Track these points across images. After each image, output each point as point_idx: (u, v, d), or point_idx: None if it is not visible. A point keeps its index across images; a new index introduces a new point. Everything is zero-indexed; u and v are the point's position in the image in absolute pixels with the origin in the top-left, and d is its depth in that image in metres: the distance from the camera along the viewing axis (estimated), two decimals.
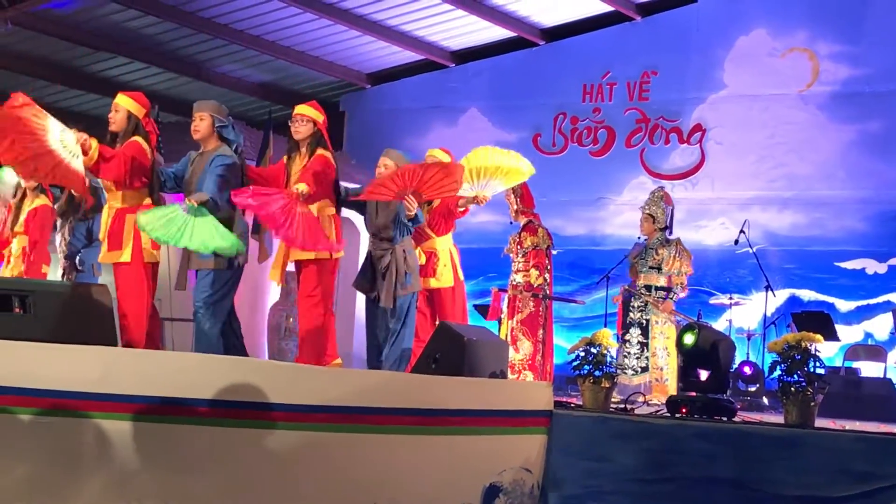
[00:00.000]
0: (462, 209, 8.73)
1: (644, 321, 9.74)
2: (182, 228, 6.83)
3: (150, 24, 12.96)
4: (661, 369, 9.61)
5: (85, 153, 7.00)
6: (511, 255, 10.10)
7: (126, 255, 7.20)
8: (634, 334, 9.73)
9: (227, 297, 7.30)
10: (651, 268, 9.82)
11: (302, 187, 7.23)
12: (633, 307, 9.85)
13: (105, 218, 7.41)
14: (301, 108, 7.76)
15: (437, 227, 8.65)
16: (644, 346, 9.65)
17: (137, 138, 7.31)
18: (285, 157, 7.78)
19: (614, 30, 13.68)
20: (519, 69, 14.14)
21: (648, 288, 9.79)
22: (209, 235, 6.88)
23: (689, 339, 7.05)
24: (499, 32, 13.89)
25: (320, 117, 7.71)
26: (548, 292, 9.92)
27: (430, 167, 7.76)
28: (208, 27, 13.00)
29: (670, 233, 10.00)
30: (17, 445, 4.96)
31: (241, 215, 7.43)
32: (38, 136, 6.82)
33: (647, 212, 9.95)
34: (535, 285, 9.86)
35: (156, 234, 6.84)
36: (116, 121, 7.36)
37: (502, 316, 10.01)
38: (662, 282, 9.79)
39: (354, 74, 14.93)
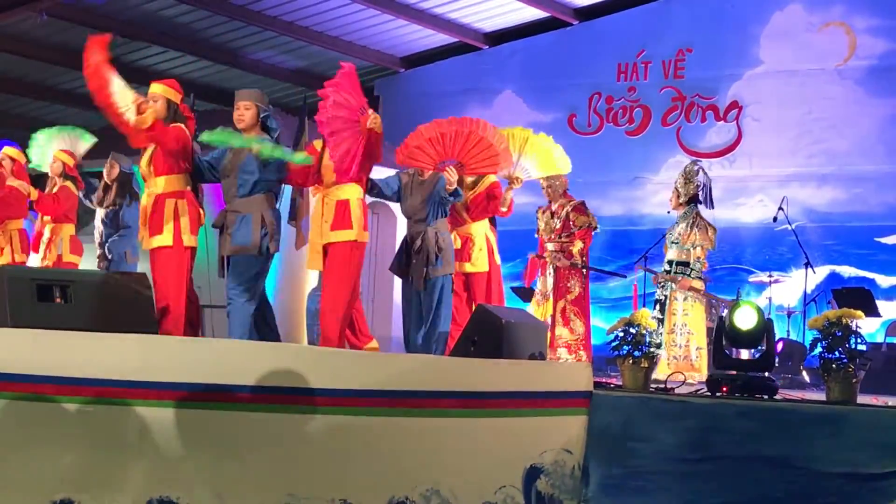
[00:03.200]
0: (505, 209, 8.78)
1: (662, 297, 9.64)
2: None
3: (184, 13, 13.01)
4: (679, 346, 9.48)
5: (139, 113, 7.07)
6: (542, 235, 9.99)
7: (167, 239, 7.25)
8: (654, 311, 9.61)
9: (259, 281, 7.33)
10: (673, 243, 9.71)
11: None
12: (659, 283, 9.77)
13: (144, 204, 7.46)
14: None
15: (473, 212, 8.66)
16: (660, 321, 9.50)
17: (180, 124, 7.36)
18: (319, 144, 7.81)
19: (648, 8, 13.61)
20: (553, 50, 14.10)
21: (671, 263, 9.68)
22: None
23: (750, 318, 6.84)
24: (532, 13, 13.85)
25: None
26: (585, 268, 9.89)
27: (474, 137, 7.82)
28: (242, 14, 13.03)
29: (709, 207, 9.89)
30: (62, 434, 5.01)
31: (275, 204, 7.49)
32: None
33: (675, 185, 9.87)
34: (578, 260, 9.81)
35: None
36: (156, 110, 7.36)
37: (548, 292, 9.89)
38: (681, 256, 9.68)
39: (388, 58, 14.92)
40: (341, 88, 7.54)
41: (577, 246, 9.79)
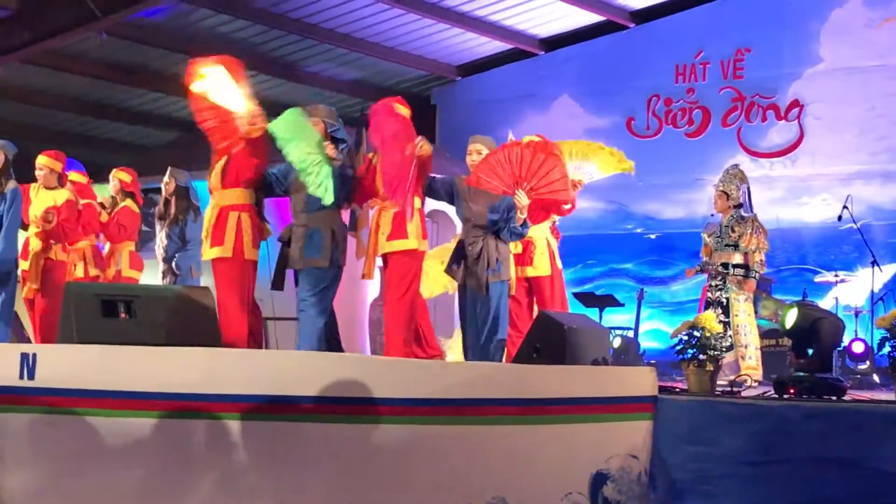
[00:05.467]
0: (568, 207, 8.69)
1: (724, 300, 9.50)
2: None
3: (240, 28, 13.11)
4: (745, 346, 9.38)
5: (251, 125, 7.38)
6: None
7: (227, 251, 7.31)
8: (717, 314, 9.50)
9: (329, 294, 7.38)
10: (727, 245, 9.55)
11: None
12: (712, 286, 9.61)
13: (208, 216, 7.52)
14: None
15: (533, 216, 8.62)
16: (726, 325, 9.39)
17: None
18: (372, 154, 7.84)
19: (705, 8, 13.50)
20: (609, 53, 14.03)
21: (725, 266, 9.54)
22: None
23: (789, 318, 6.88)
24: (588, 17, 13.80)
25: (407, 112, 7.80)
26: None
27: (548, 159, 7.76)
28: (298, 28, 13.10)
29: (749, 211, 9.74)
30: (130, 449, 5.06)
31: (341, 218, 7.54)
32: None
33: (721, 189, 9.71)
34: None
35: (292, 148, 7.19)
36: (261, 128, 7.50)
37: None
38: (739, 259, 9.51)
39: (444, 67, 14.93)
40: (385, 124, 7.60)
41: None
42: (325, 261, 7.25)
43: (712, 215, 9.84)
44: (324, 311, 7.31)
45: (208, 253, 7.43)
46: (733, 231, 9.51)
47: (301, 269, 7.33)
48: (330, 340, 7.40)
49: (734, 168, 9.84)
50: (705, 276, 9.88)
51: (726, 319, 9.35)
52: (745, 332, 9.36)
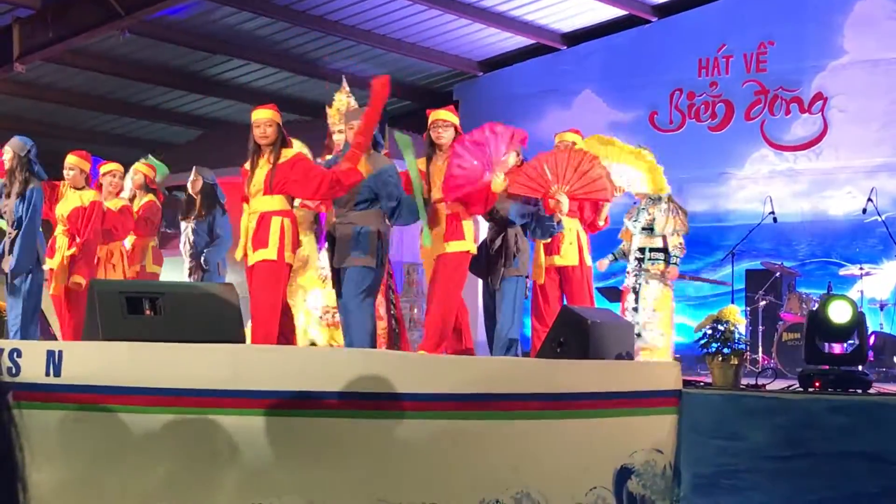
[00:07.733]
0: (602, 224, 8.73)
1: (637, 286, 9.20)
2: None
3: (263, 25, 13.15)
4: (657, 334, 9.01)
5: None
6: None
7: (272, 253, 7.33)
8: (630, 300, 9.19)
9: (375, 293, 7.37)
10: (644, 229, 9.21)
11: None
12: (628, 273, 9.26)
13: (246, 222, 7.52)
14: (443, 114, 7.94)
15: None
16: (636, 311, 9.09)
17: (295, 149, 7.53)
18: (422, 163, 7.88)
19: (728, 1, 13.45)
20: (631, 47, 14.00)
21: (643, 250, 9.22)
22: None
23: (845, 312, 6.67)
24: (610, 12, 13.77)
25: (457, 121, 7.91)
26: None
27: (585, 159, 7.77)
28: (320, 24, 13.13)
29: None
30: (156, 445, 5.08)
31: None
32: None
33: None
34: None
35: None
36: (269, 135, 7.45)
37: None
38: (658, 243, 9.08)
39: (466, 63, 14.93)
40: (493, 135, 7.67)
41: None
42: (373, 260, 7.22)
43: (634, 202, 9.51)
44: (369, 310, 7.28)
45: (252, 257, 7.43)
46: (648, 213, 9.18)
47: (346, 269, 7.29)
48: None
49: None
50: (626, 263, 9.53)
51: (636, 306, 9.06)
52: (653, 319, 8.97)
